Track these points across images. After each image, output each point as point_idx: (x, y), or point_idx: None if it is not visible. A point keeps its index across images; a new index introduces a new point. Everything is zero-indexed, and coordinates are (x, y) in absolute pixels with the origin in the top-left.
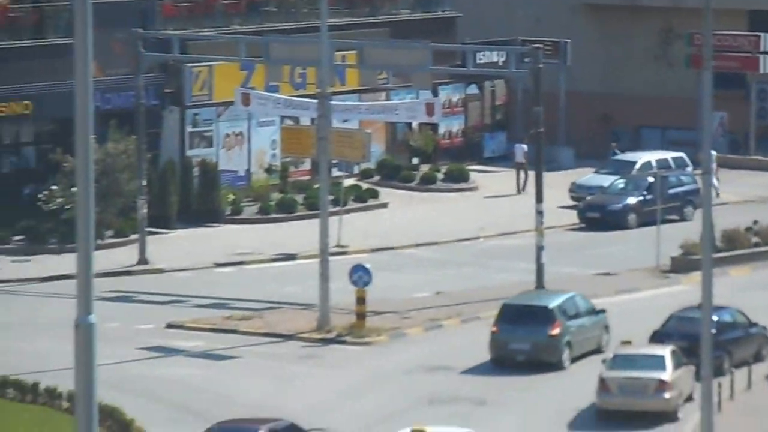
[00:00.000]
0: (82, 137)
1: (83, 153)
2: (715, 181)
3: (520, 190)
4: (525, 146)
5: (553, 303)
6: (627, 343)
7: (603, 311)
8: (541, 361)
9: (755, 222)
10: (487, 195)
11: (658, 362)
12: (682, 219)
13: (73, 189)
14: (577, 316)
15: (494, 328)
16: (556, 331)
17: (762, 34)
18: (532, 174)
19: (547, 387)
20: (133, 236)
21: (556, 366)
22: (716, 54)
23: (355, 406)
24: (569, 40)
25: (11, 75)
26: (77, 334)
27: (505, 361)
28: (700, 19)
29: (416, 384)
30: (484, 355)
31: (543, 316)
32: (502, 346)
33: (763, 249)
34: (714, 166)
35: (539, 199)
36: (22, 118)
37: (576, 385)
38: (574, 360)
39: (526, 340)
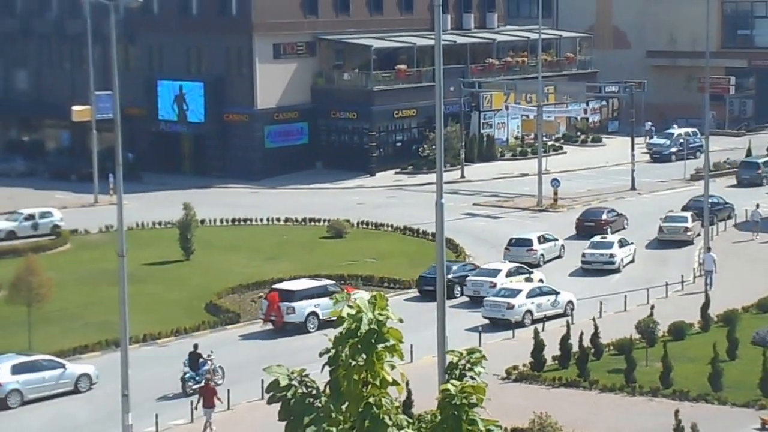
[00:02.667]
0: (438, 126)
1: (438, 132)
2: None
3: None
4: (649, 123)
5: None
6: (671, 211)
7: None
8: None
9: (726, 159)
10: (609, 148)
11: (684, 218)
12: (695, 157)
13: (433, 146)
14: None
15: None
16: None
17: (731, 77)
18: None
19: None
20: (458, 166)
21: None
22: (711, 85)
23: None
24: (646, 80)
25: (406, 96)
26: (437, 210)
27: None
28: (704, 71)
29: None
30: None
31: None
32: None
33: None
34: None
35: (632, 148)
36: (412, 117)
37: None
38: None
39: None
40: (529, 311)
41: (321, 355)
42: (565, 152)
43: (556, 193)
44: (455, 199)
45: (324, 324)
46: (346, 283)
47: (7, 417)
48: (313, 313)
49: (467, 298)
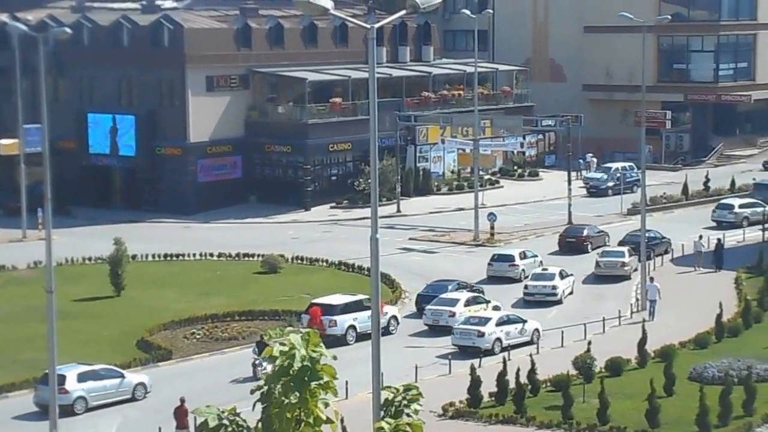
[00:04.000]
0: (373, 160)
1: (373, 165)
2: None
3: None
4: (590, 155)
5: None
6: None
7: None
8: None
9: (663, 193)
10: (546, 182)
11: (620, 253)
12: (632, 192)
13: (369, 180)
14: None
15: None
16: None
17: (667, 111)
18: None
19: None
20: (394, 200)
21: None
22: (647, 119)
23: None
24: (582, 114)
25: (341, 129)
26: (371, 245)
27: None
28: (640, 105)
29: None
30: None
31: None
32: None
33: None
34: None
35: (569, 182)
36: (347, 151)
37: None
38: None
39: None
40: (499, 339)
41: (252, 392)
42: (502, 186)
43: (492, 228)
44: (391, 234)
45: (361, 336)
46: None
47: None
48: (352, 327)
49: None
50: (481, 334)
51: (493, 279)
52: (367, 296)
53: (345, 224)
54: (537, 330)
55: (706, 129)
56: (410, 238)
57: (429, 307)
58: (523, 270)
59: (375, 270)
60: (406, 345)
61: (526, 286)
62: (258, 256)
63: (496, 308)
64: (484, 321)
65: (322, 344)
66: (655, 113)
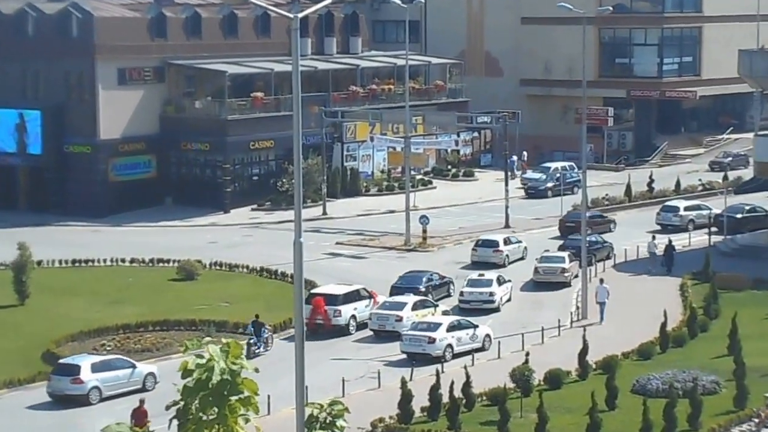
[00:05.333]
0: (296, 158)
1: (297, 164)
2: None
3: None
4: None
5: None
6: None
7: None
8: None
9: (606, 195)
10: (482, 183)
11: (560, 259)
12: (573, 193)
13: (292, 180)
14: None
15: None
16: None
17: (609, 108)
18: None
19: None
20: (320, 202)
21: None
22: (588, 116)
23: None
24: (520, 111)
25: (263, 126)
26: (295, 248)
27: None
28: (581, 101)
29: (451, 267)
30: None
31: None
32: None
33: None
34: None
35: (506, 183)
36: (269, 149)
37: None
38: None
39: None
40: (450, 345)
41: (168, 408)
42: (435, 187)
43: (425, 231)
44: (316, 238)
45: (360, 326)
46: (212, 327)
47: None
48: (353, 316)
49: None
50: (432, 341)
51: (477, 264)
52: (363, 287)
53: (267, 227)
54: (488, 336)
55: (650, 127)
56: (337, 243)
57: (374, 311)
58: (507, 255)
59: (299, 276)
60: (332, 357)
61: (461, 293)
62: (174, 261)
63: (445, 313)
64: (434, 326)
65: (243, 356)
66: (597, 110)
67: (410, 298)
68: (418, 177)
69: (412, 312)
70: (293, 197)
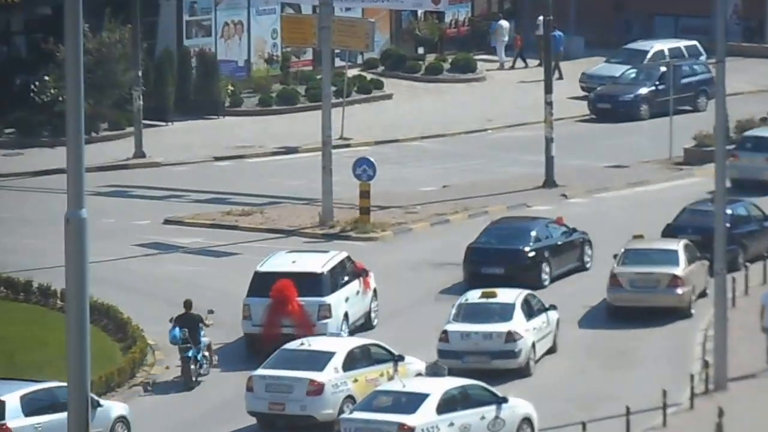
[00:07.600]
0: (71, 25)
1: (73, 42)
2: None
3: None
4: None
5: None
6: (639, 237)
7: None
8: None
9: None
10: (494, 85)
11: (671, 257)
12: (695, 110)
13: (62, 83)
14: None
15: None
16: None
17: None
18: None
19: (559, 285)
20: (129, 129)
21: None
22: None
23: None
24: None
25: None
26: (68, 229)
27: None
28: None
29: (422, 280)
30: None
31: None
32: None
33: None
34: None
35: (548, 89)
36: (13, 6)
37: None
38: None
39: None
40: None
41: None
42: (391, 96)
43: (365, 195)
44: (118, 208)
45: (353, 330)
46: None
47: None
48: (345, 315)
49: None
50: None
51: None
52: (346, 253)
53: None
54: (528, 420)
55: None
56: (167, 220)
57: (260, 372)
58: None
59: (76, 293)
60: None
61: (445, 336)
62: None
63: (418, 375)
64: (413, 402)
65: None
66: None
67: (348, 342)
68: (353, 73)
69: (341, 374)
70: (66, 120)
